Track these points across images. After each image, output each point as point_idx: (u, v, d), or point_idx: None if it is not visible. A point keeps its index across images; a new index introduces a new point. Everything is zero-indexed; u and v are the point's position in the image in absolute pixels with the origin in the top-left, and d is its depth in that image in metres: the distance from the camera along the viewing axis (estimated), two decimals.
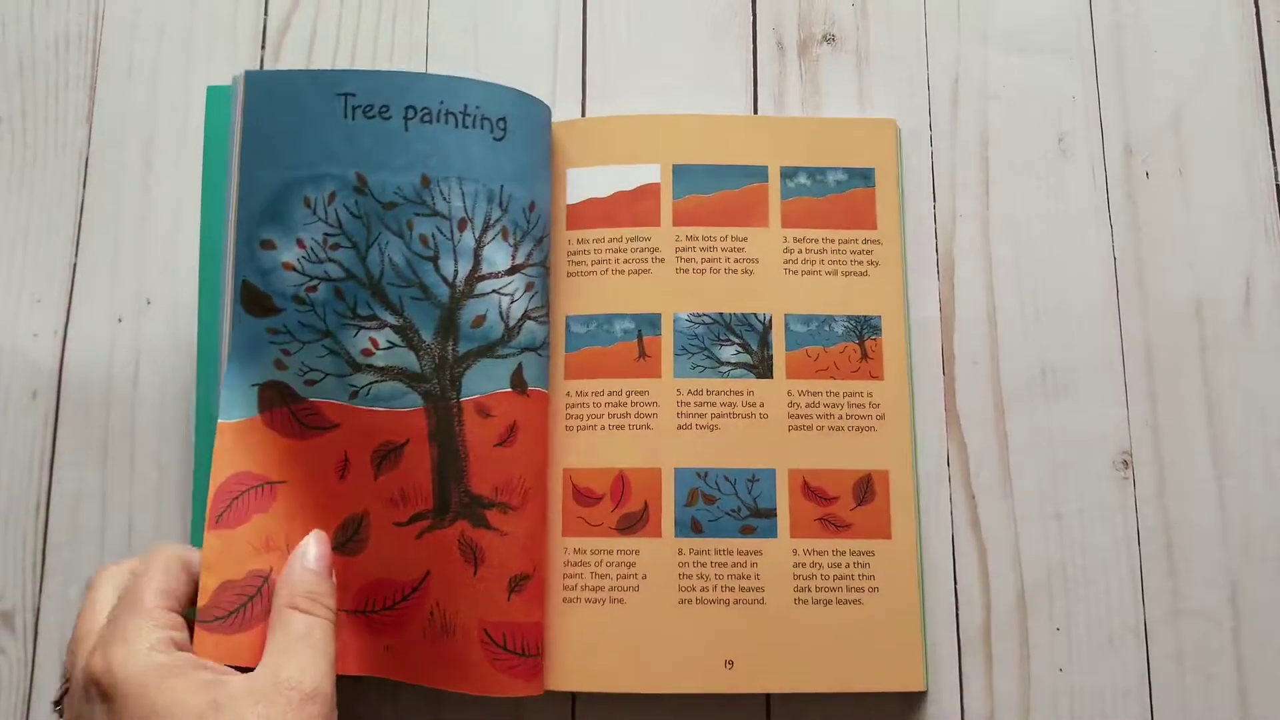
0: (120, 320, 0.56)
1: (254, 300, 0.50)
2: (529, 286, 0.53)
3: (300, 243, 0.51)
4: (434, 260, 0.51)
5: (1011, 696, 0.52)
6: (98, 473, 0.55)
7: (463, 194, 0.52)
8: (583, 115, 0.59)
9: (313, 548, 0.48)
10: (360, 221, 0.51)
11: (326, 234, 0.51)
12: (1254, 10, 0.59)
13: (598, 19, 0.60)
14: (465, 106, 0.52)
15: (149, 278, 0.57)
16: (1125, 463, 0.54)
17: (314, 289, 0.50)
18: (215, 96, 0.53)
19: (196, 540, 0.50)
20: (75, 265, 0.57)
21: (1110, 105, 0.58)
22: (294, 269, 0.50)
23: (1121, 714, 0.52)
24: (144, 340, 0.56)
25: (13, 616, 0.53)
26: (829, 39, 0.59)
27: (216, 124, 0.53)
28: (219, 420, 0.49)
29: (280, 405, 0.50)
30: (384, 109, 0.51)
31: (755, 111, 0.59)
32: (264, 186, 0.51)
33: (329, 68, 0.59)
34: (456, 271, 0.51)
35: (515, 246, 0.52)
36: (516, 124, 0.53)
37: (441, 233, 0.51)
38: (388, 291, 0.51)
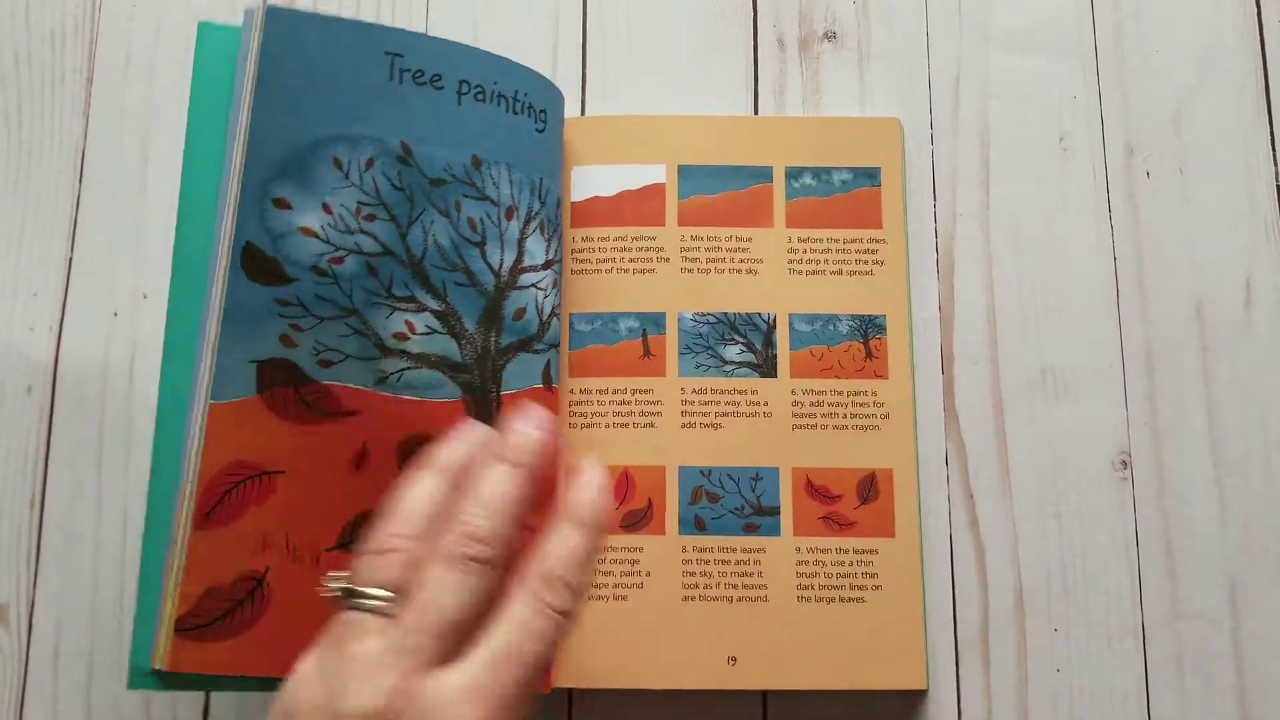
0: (116, 315, 0.56)
1: (259, 265, 0.45)
2: (555, 283, 0.52)
3: (326, 208, 0.46)
4: (481, 246, 0.49)
5: (1009, 697, 0.52)
6: (93, 468, 0.54)
7: (510, 181, 0.50)
8: (582, 112, 0.59)
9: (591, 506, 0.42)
10: (403, 194, 0.47)
11: (361, 202, 0.47)
12: (1255, 9, 0.59)
13: (597, 15, 0.60)
14: (516, 92, 0.50)
15: (145, 272, 0.56)
16: (1124, 463, 0.54)
17: (340, 260, 0.46)
18: (208, 34, 0.48)
19: (150, 548, 0.45)
20: (71, 260, 0.56)
21: (1111, 104, 0.58)
22: (315, 235, 0.46)
23: (1119, 715, 0.52)
24: (140, 335, 0.56)
25: (7, 611, 0.53)
26: (830, 37, 0.59)
27: (207, 63, 0.47)
28: (210, 401, 0.44)
29: (284, 385, 0.45)
30: (436, 78, 0.48)
31: (755, 108, 0.59)
32: (282, 138, 0.45)
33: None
34: (502, 261, 0.50)
35: (549, 241, 0.51)
36: (552, 117, 0.52)
37: (490, 219, 0.49)
38: (430, 273, 0.48)
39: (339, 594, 0.39)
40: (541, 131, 0.51)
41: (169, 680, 0.44)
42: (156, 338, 0.55)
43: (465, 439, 0.42)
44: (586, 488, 0.42)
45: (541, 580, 0.39)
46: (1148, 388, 0.55)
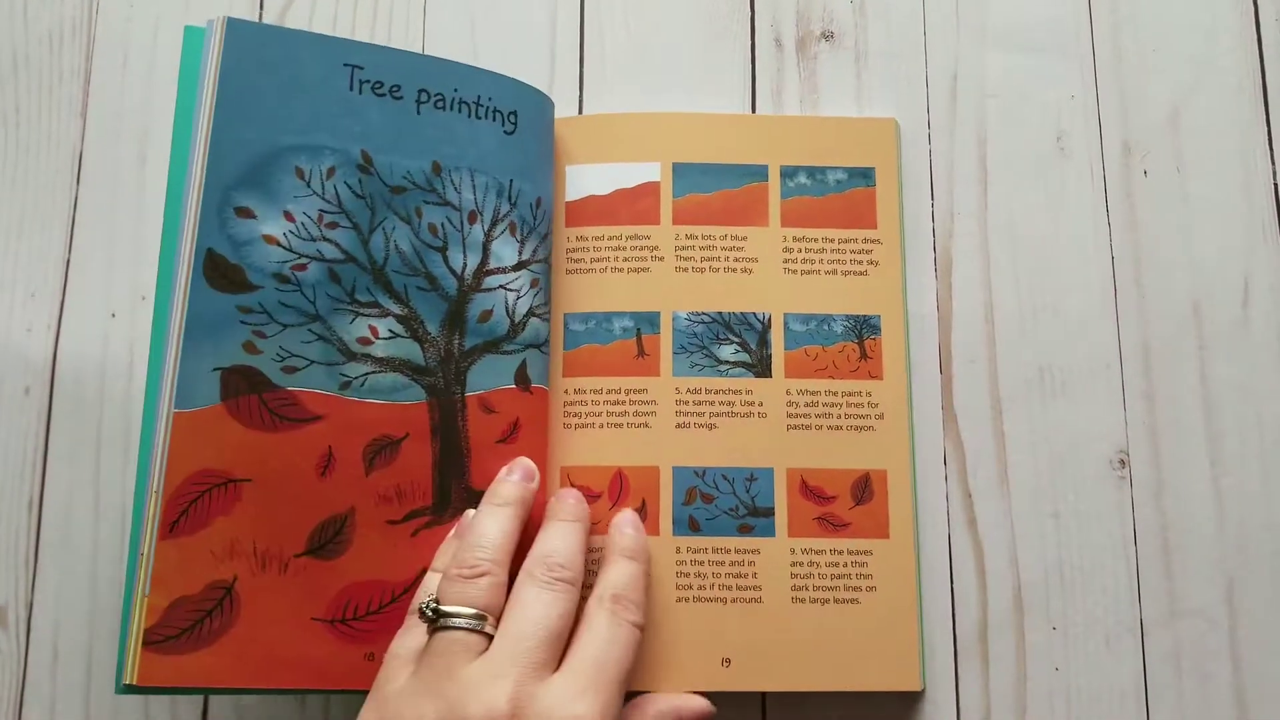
0: (114, 315, 0.56)
1: (221, 273, 0.46)
2: (534, 283, 0.52)
3: (288, 215, 0.47)
4: (443, 251, 0.50)
5: (1008, 696, 0.52)
6: (91, 469, 0.54)
7: (473, 186, 0.50)
8: (580, 111, 0.59)
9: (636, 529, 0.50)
10: (364, 202, 0.49)
11: (323, 210, 0.48)
12: (1252, 9, 0.59)
13: (595, 14, 0.60)
14: (479, 98, 0.51)
15: (143, 273, 0.56)
16: (1122, 462, 0.54)
17: (303, 268, 0.47)
18: (193, 38, 0.48)
19: (134, 550, 0.45)
20: (69, 260, 0.56)
21: (1108, 104, 0.58)
22: (278, 243, 0.47)
23: (1118, 714, 0.52)
24: (138, 336, 0.56)
25: (6, 612, 0.53)
26: (827, 37, 0.59)
27: (194, 68, 0.48)
28: (174, 410, 0.45)
29: (248, 393, 0.46)
30: (395, 89, 0.49)
31: (753, 108, 0.59)
32: (244, 148, 0.47)
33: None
34: (465, 264, 0.50)
35: (522, 242, 0.52)
36: (526, 119, 0.53)
37: (451, 223, 0.50)
38: (392, 279, 0.49)
39: (430, 615, 0.43)
40: (511, 134, 0.52)
41: (147, 688, 0.45)
42: None
43: (515, 476, 0.49)
44: (625, 525, 0.50)
45: (612, 598, 0.46)
46: (1145, 387, 0.55)
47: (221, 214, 0.46)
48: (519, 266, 0.51)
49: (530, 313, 0.52)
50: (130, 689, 0.44)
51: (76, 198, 0.57)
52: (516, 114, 0.52)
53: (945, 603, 0.53)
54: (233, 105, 0.47)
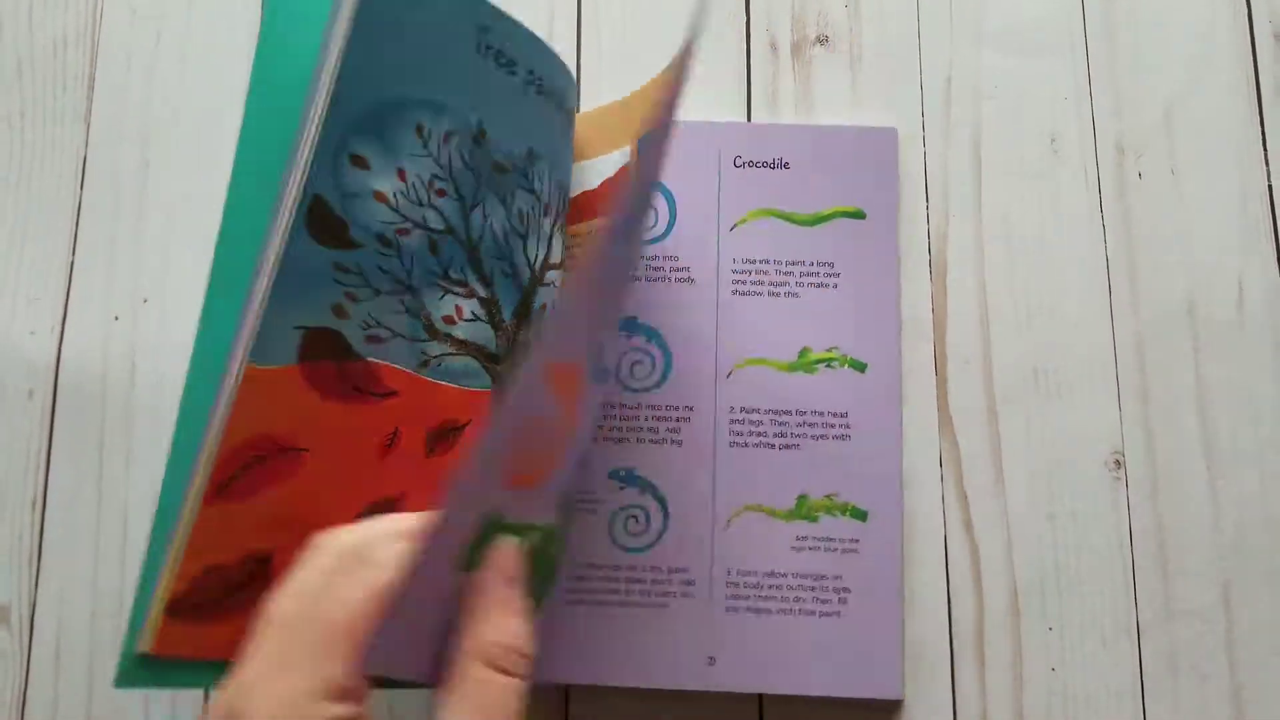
0: (116, 319, 0.56)
1: (324, 224, 0.41)
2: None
3: (401, 174, 0.43)
4: (524, 239, 0.47)
5: (1004, 698, 0.52)
6: (93, 471, 0.55)
7: (548, 178, 0.48)
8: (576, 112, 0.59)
9: (516, 571, 0.37)
10: (471, 175, 0.45)
11: (435, 175, 0.44)
12: (1245, 9, 0.59)
13: (592, 18, 0.60)
14: (556, 89, 0.49)
15: (145, 276, 0.57)
16: (1118, 463, 0.54)
17: (406, 233, 0.43)
18: None
19: (158, 536, 0.41)
20: (72, 264, 0.57)
21: (1102, 105, 0.58)
22: (387, 202, 0.42)
23: (1115, 714, 0.52)
24: (140, 339, 0.56)
25: (9, 612, 0.53)
26: (822, 40, 0.59)
27: (279, 15, 0.43)
28: (248, 362, 0.40)
29: (327, 358, 0.42)
30: (512, 63, 0.46)
31: (749, 113, 0.59)
32: (369, 91, 0.41)
33: None
34: (537, 255, 0.48)
35: (563, 240, 0.50)
36: (571, 117, 0.51)
37: (534, 213, 0.47)
38: (484, 260, 0.46)
39: None
40: (567, 131, 0.50)
41: (155, 673, 0.41)
42: (156, 342, 0.56)
43: None
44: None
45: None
46: (1140, 388, 0.55)
47: (337, 159, 0.41)
48: (560, 264, 0.50)
49: None
50: (128, 679, 0.41)
51: (80, 202, 0.58)
52: (570, 113, 0.51)
53: (941, 604, 0.53)
54: (368, 41, 0.41)
